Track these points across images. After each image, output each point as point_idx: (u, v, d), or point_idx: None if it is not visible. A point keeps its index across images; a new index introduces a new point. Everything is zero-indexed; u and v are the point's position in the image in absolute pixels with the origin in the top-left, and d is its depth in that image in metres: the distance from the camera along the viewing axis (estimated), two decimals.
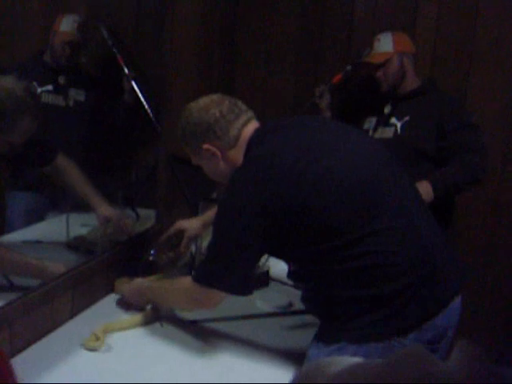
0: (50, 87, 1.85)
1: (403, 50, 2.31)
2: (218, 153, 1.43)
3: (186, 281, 1.42)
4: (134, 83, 2.03)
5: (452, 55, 2.45)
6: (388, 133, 2.29)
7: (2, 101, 1.48)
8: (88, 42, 1.96)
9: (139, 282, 1.70)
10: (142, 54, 2.23)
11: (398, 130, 2.28)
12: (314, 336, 1.37)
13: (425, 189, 1.99)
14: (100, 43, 2.02)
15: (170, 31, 2.06)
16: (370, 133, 2.32)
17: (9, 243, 1.68)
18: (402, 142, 2.22)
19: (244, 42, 2.72)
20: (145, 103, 2.04)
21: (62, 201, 1.92)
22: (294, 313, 1.72)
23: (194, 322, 1.62)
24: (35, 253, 1.70)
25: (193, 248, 1.95)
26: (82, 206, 1.88)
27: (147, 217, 2.13)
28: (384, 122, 2.33)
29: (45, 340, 1.45)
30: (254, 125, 1.45)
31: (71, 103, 1.92)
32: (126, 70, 2.03)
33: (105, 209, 1.85)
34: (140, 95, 2.03)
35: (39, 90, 1.80)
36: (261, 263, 1.81)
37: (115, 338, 1.50)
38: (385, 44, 2.31)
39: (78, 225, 1.94)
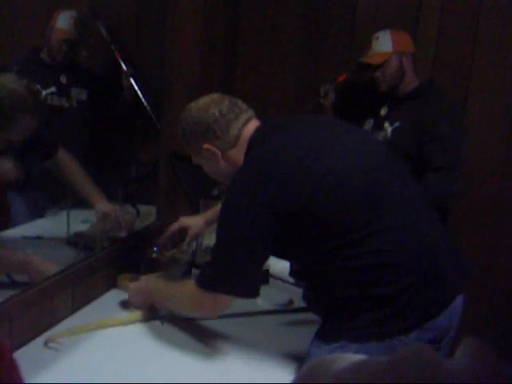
0: (53, 89, 1.84)
1: (402, 50, 2.25)
2: (219, 152, 1.42)
3: (191, 286, 1.39)
4: (132, 80, 2.02)
5: (454, 54, 2.45)
6: (380, 137, 2.26)
7: (3, 99, 1.47)
8: (85, 39, 1.94)
9: (147, 281, 1.65)
10: (143, 52, 2.22)
11: (388, 135, 2.25)
12: (315, 334, 1.37)
13: None
14: (98, 40, 2.01)
15: (172, 29, 2.06)
16: None
17: (9, 239, 1.68)
18: (390, 148, 2.17)
19: (246, 41, 2.72)
20: (143, 100, 2.03)
21: (62, 197, 1.92)
22: (295, 311, 1.72)
23: (193, 319, 1.62)
24: (35, 249, 1.70)
25: (194, 245, 1.95)
26: (82, 203, 1.88)
27: (148, 213, 2.13)
28: (378, 125, 2.32)
29: (45, 336, 1.45)
30: (254, 124, 1.44)
31: (74, 103, 1.92)
32: (124, 67, 2.02)
33: (103, 205, 1.84)
34: (139, 92, 2.03)
35: (44, 92, 1.80)
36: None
37: (115, 335, 1.50)
38: (383, 43, 2.24)
39: (79, 221, 1.94)
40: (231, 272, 1.33)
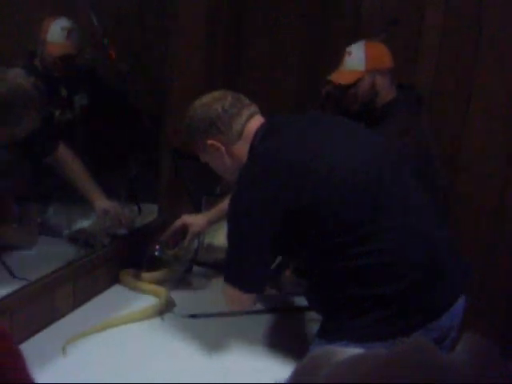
0: (58, 111, 1.82)
1: (376, 68, 2.00)
2: (222, 148, 1.43)
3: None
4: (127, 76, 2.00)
5: (457, 53, 2.44)
6: None
7: (11, 94, 1.47)
8: (80, 50, 1.83)
9: None
10: (145, 48, 2.22)
11: None
12: (317, 333, 1.37)
13: None
14: (93, 38, 1.91)
15: (174, 24, 2.06)
16: None
17: None
18: (391, 148, 2.08)
19: (249, 38, 2.71)
20: (141, 98, 2.02)
21: (63, 193, 1.92)
22: (297, 309, 1.72)
23: (193, 316, 1.62)
24: (36, 246, 1.71)
25: (195, 243, 1.95)
26: (83, 199, 1.88)
27: (150, 212, 2.13)
28: None
29: (46, 331, 1.45)
30: (258, 119, 1.44)
31: (77, 111, 1.91)
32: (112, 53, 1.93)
33: (103, 202, 1.85)
34: (135, 89, 2.02)
35: (57, 113, 1.79)
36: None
37: (115, 333, 1.50)
38: (356, 60, 2.01)
39: (80, 218, 1.94)
40: (237, 266, 1.35)
